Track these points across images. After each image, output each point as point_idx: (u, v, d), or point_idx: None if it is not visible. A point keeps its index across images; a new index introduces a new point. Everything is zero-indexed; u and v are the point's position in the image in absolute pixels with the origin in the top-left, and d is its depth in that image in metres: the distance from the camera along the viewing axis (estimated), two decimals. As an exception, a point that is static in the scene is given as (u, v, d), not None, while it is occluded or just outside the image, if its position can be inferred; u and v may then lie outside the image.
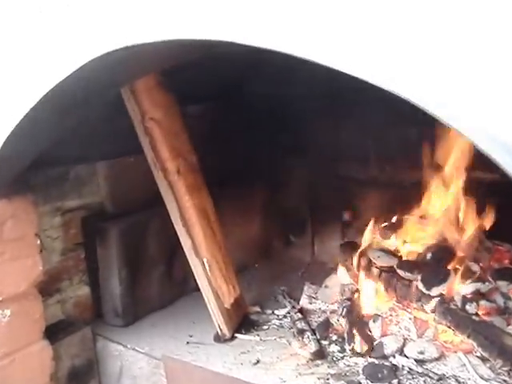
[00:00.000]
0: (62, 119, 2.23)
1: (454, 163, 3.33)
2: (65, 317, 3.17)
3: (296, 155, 3.84)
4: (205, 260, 2.97)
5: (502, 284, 2.93)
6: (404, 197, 3.51)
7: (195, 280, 3.45)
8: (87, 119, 2.64)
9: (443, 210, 3.28)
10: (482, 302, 2.80)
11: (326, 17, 1.40)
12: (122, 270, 3.11)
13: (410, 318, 2.95)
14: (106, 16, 1.81)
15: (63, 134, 2.34)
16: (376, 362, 2.76)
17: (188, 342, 3.03)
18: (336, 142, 3.76)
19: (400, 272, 3.01)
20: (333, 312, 3.24)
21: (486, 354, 2.63)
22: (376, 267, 3.14)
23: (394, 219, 3.43)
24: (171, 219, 2.95)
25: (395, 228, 3.38)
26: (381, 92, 3.08)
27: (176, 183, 2.91)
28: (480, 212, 3.19)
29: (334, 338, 2.96)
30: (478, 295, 2.84)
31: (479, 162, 3.22)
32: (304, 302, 3.36)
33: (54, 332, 2.98)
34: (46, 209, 3.03)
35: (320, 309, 3.31)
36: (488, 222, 3.16)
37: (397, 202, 3.53)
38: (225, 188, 3.65)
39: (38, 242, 2.66)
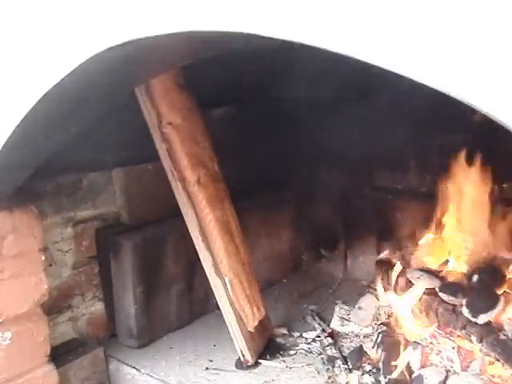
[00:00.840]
0: (64, 125, 1.99)
1: (501, 174, 3.03)
2: (77, 335, 2.95)
3: (328, 163, 3.56)
4: (226, 279, 2.71)
5: (559, 311, 2.61)
6: (446, 209, 3.21)
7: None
8: (99, 122, 2.41)
9: (490, 225, 2.97)
10: (536, 332, 2.48)
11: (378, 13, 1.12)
12: (137, 287, 2.87)
13: (453, 348, 2.64)
14: (107, 7, 1.56)
15: (66, 140, 2.09)
16: (416, 397, 2.48)
17: (207, 368, 2.78)
18: (372, 149, 3.45)
19: (442, 295, 2.71)
20: (366, 336, 2.96)
21: (542, 394, 2.33)
22: (415, 289, 2.84)
23: (435, 234, 3.13)
24: (190, 234, 2.69)
25: (437, 245, 3.09)
26: (420, 95, 2.78)
27: (196, 194, 2.66)
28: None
29: (368, 368, 2.67)
30: (532, 324, 2.53)
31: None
32: (335, 323, 3.08)
33: (63, 353, 2.76)
34: (57, 219, 2.82)
35: (353, 332, 3.03)
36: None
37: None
38: (251, 198, 3.40)
39: (43, 258, 2.43)
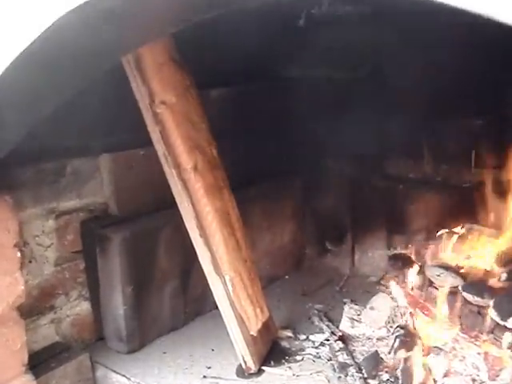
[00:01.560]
0: (36, 100, 1.69)
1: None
2: (60, 339, 2.67)
3: (336, 151, 3.25)
4: (227, 278, 2.42)
5: None
6: (464, 200, 2.95)
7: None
8: (84, 102, 2.13)
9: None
10: None
11: None
12: (126, 285, 2.58)
13: (478, 354, 2.38)
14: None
15: (41, 118, 1.79)
16: (439, 409, 2.22)
17: (205, 376, 2.50)
18: (384, 135, 3.17)
19: (466, 295, 2.44)
20: (380, 339, 2.69)
21: None
22: (436, 287, 2.58)
23: (454, 228, 2.87)
24: (186, 226, 2.41)
25: (457, 239, 2.82)
26: (435, 75, 2.48)
27: (192, 182, 2.37)
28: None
29: (385, 376, 2.40)
30: None
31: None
32: (345, 325, 2.81)
33: (45, 359, 2.47)
34: (37, 211, 2.53)
35: (364, 334, 2.76)
36: None
37: (455, 206, 2.98)
38: (251, 188, 3.12)
39: (19, 254, 2.13)
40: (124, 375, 2.51)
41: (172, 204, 2.61)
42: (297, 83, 3.23)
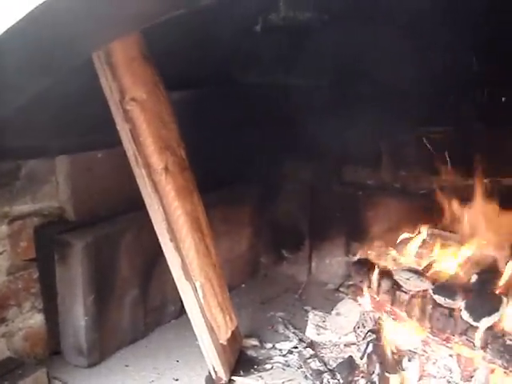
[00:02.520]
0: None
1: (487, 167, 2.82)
2: (12, 354, 2.48)
3: (294, 157, 3.22)
4: (197, 284, 2.32)
5: (560, 313, 2.40)
6: (422, 206, 2.97)
7: (174, 305, 2.85)
8: (41, 99, 2.01)
9: (477, 222, 2.75)
10: (545, 337, 2.24)
11: None
12: (88, 295, 2.43)
13: (450, 355, 2.38)
14: None
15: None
16: (418, 413, 2.19)
17: (173, 389, 2.38)
18: (342, 142, 3.16)
19: (437, 298, 2.44)
20: (347, 345, 2.65)
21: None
22: (404, 291, 2.56)
23: (414, 233, 2.88)
24: (155, 231, 2.30)
25: (418, 244, 2.83)
26: (395, 84, 2.48)
27: (163, 184, 2.26)
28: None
29: (362, 382, 2.36)
30: (536, 328, 2.30)
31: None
32: (310, 332, 2.76)
33: (-3, 377, 2.29)
34: (-12, 215, 2.35)
35: (331, 341, 2.72)
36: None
37: (414, 212, 2.99)
38: (207, 194, 3.01)
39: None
40: (85, 390, 2.36)
41: (132, 208, 2.51)
42: (256, 89, 3.17)
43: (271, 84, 3.15)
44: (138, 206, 2.35)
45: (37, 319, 2.57)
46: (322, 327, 2.77)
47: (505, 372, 2.27)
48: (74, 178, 2.55)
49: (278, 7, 3.13)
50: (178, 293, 2.46)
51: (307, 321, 2.82)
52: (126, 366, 2.54)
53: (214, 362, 2.38)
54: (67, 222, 2.57)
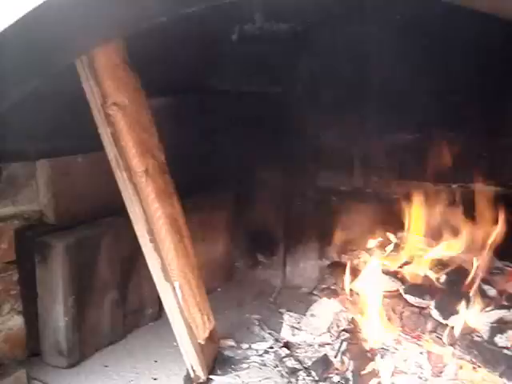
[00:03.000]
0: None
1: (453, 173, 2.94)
2: (-9, 355, 2.49)
3: (268, 163, 3.30)
4: (176, 284, 2.38)
5: (524, 310, 2.51)
6: (394, 211, 3.07)
7: (152, 308, 2.90)
8: (22, 103, 2.06)
9: (445, 226, 2.86)
10: (510, 333, 2.34)
11: None
12: (68, 296, 2.47)
13: (421, 353, 2.47)
14: None
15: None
16: (391, 408, 2.27)
17: (153, 388, 2.43)
18: (315, 148, 3.26)
19: (408, 297, 2.54)
20: (322, 345, 2.72)
21: (525, 396, 2.19)
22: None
23: (385, 237, 2.98)
24: (135, 232, 2.35)
25: (389, 247, 2.94)
26: (369, 92, 2.61)
27: (144, 187, 2.32)
28: (487, 228, 2.78)
29: (336, 378, 2.43)
30: (502, 324, 2.40)
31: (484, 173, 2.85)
32: (286, 333, 2.82)
33: (-25, 378, 2.31)
34: (-33, 218, 2.39)
35: (305, 341, 2.78)
36: (498, 239, 2.73)
37: (385, 216, 3.09)
38: (183, 199, 3.06)
39: None
40: (66, 390, 2.39)
41: (111, 212, 2.57)
42: (230, 97, 3.26)
43: (246, 91, 3.24)
44: (117, 209, 2.41)
45: (17, 322, 2.58)
46: (296, 328, 2.83)
47: (473, 367, 2.37)
48: (54, 182, 2.58)
49: (253, 18, 3.23)
50: (156, 296, 2.52)
51: (282, 322, 2.87)
52: (106, 366, 2.57)
53: (192, 361, 2.43)
54: (47, 225, 2.60)
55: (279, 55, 3.14)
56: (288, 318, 2.89)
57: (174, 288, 2.37)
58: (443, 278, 2.59)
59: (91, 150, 2.54)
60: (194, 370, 2.44)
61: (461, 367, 2.41)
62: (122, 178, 2.31)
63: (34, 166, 2.57)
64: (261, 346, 2.74)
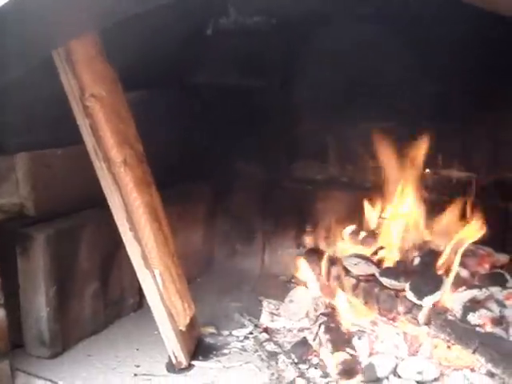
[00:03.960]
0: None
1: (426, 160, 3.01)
2: (-27, 348, 2.50)
3: (245, 153, 3.35)
4: (157, 272, 2.42)
5: (495, 290, 2.59)
6: (369, 198, 3.13)
7: (133, 298, 2.94)
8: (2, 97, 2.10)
9: (417, 212, 2.93)
10: (482, 311, 2.42)
11: None
12: (50, 287, 2.50)
13: (397, 334, 2.54)
14: None
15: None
16: (369, 387, 2.33)
17: (136, 374, 2.47)
18: (291, 138, 3.32)
19: (383, 280, 2.60)
20: (301, 330, 2.79)
21: (497, 371, 2.26)
22: (352, 276, 2.72)
23: (365, 223, 3.05)
24: (115, 222, 2.39)
25: (365, 233, 3.00)
26: (340, 81, 2.66)
27: (122, 176, 2.36)
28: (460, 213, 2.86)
29: (315, 360, 2.49)
30: (475, 304, 2.48)
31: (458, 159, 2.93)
32: (265, 319, 2.88)
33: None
34: None
35: (284, 327, 2.85)
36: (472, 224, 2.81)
37: (361, 204, 3.15)
38: (160, 189, 3.10)
39: None
40: (50, 380, 2.42)
41: (91, 204, 2.60)
42: (207, 89, 3.30)
43: (222, 84, 3.28)
44: (97, 201, 2.45)
45: (-1, 314, 2.61)
46: (275, 314, 2.90)
47: (448, 346, 2.44)
48: (34, 175, 2.61)
49: (228, 11, 3.28)
50: (137, 286, 2.56)
51: (261, 309, 2.94)
52: (89, 355, 2.61)
53: (174, 347, 2.47)
54: (27, 217, 2.63)
55: (254, 48, 3.19)
56: (267, 305, 2.96)
57: (154, 275, 2.42)
58: (417, 260, 2.66)
59: (71, 142, 2.57)
60: (175, 356, 2.48)
61: (436, 346, 2.49)
62: (100, 169, 2.35)
63: (13, 159, 2.59)
64: (241, 333, 2.79)
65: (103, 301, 2.81)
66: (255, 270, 3.52)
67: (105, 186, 2.36)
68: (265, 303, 2.96)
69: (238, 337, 2.77)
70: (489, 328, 2.38)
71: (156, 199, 2.53)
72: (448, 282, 2.52)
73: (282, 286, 3.23)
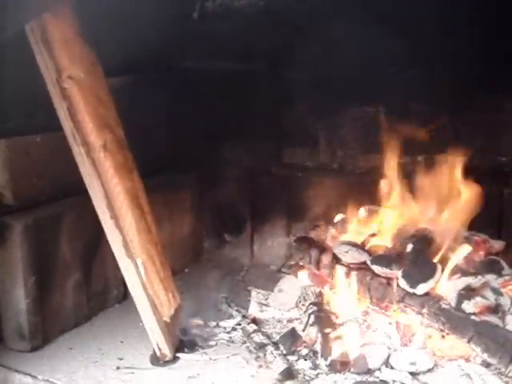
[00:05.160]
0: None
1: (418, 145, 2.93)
2: (-51, 342, 2.43)
3: (233, 141, 3.26)
4: (139, 261, 2.33)
5: (491, 277, 2.51)
6: (360, 185, 3.06)
7: (117, 289, 2.85)
8: None
9: (410, 197, 2.85)
10: (478, 299, 2.33)
11: None
12: (28, 278, 2.41)
13: (390, 323, 2.46)
14: None
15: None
16: (359, 378, 2.25)
17: (118, 367, 2.38)
18: (281, 124, 3.23)
19: (375, 268, 2.52)
20: (290, 321, 2.71)
21: (493, 361, 2.18)
22: (343, 264, 2.64)
23: (353, 211, 2.96)
24: (95, 209, 2.30)
25: (356, 220, 2.92)
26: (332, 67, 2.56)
27: (102, 162, 2.27)
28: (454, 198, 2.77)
29: (305, 351, 2.41)
30: (470, 291, 2.39)
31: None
32: (254, 310, 2.80)
33: None
34: None
35: (273, 317, 2.77)
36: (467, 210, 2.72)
37: (352, 191, 3.07)
38: (146, 178, 3.00)
39: None
40: (29, 374, 2.33)
41: (73, 192, 2.51)
42: (193, 74, 3.21)
43: (209, 69, 3.19)
44: (79, 189, 2.35)
45: (-25, 306, 2.52)
46: (264, 305, 2.82)
47: (442, 336, 2.36)
48: (12, 162, 2.50)
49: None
50: (121, 277, 2.46)
51: (250, 300, 2.85)
52: (70, 348, 2.52)
53: (158, 339, 2.38)
54: (6, 206, 2.53)
55: (241, 31, 3.09)
56: (256, 295, 2.89)
57: (136, 264, 2.33)
58: (409, 247, 2.57)
59: (51, 128, 2.47)
60: (160, 348, 2.39)
61: (430, 336, 2.41)
62: (79, 154, 2.26)
63: (-10, 147, 2.50)
64: (228, 324, 2.71)
65: (86, 292, 2.73)
66: (245, 260, 3.44)
67: (84, 172, 2.27)
68: (253, 293, 2.89)
69: (225, 328, 2.69)
70: (484, 316, 2.31)
71: (138, 186, 2.43)
72: (442, 268, 2.44)
73: (272, 276, 3.15)
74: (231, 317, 2.77)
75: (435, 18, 2.61)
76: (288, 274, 3.00)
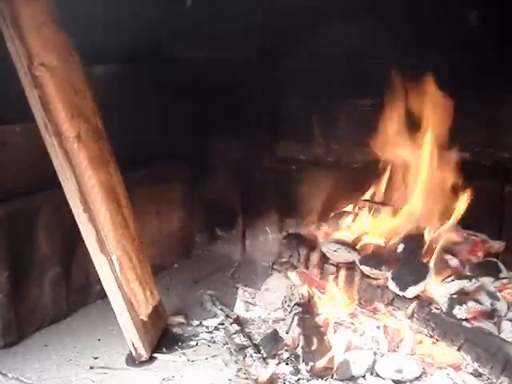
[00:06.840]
0: None
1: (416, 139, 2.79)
2: None
3: (225, 133, 3.15)
4: (114, 257, 2.24)
5: (487, 280, 2.38)
6: (355, 180, 2.94)
7: (100, 285, 2.75)
8: None
9: (407, 194, 2.72)
10: (471, 304, 2.20)
11: None
12: (2, 272, 2.33)
13: (378, 327, 2.34)
14: None
15: None
16: (342, 385, 2.14)
17: (91, 367, 2.30)
18: (274, 117, 3.12)
19: (364, 269, 2.40)
20: (276, 321, 2.60)
21: (485, 370, 2.06)
22: (332, 264, 2.52)
23: (347, 207, 2.84)
24: (69, 202, 2.20)
25: (350, 217, 2.80)
26: (328, 58, 2.44)
27: (76, 153, 2.17)
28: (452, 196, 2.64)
29: (285, 355, 2.29)
30: (463, 295, 2.26)
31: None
32: (239, 308, 2.70)
33: None
34: None
35: (260, 317, 2.67)
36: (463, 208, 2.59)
37: (347, 185, 2.95)
38: (134, 171, 2.90)
39: None
40: None
41: (51, 184, 2.40)
42: (184, 65, 3.11)
43: (200, 59, 3.09)
44: (58, 181, 2.25)
45: None
46: (251, 303, 2.72)
47: (433, 342, 2.24)
48: (-12, 153, 2.43)
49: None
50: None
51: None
52: (46, 345, 2.44)
53: (133, 339, 2.29)
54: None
55: (231, 20, 2.97)
56: (242, 293, 2.78)
57: (111, 261, 2.23)
58: (401, 247, 2.45)
59: (31, 119, 2.38)
60: (135, 348, 2.30)
61: (420, 342, 2.29)
62: (51, 144, 2.16)
63: (-36, 139, 2.41)
64: (211, 323, 2.61)
65: (66, 287, 2.65)
66: (236, 256, 3.35)
67: (56, 164, 2.18)
68: (240, 291, 2.78)
69: (207, 327, 2.59)
70: (477, 322, 2.18)
71: (115, 179, 2.33)
72: (434, 271, 2.32)
73: (263, 273, 3.03)
74: (215, 315, 2.67)
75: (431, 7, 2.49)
76: (279, 271, 2.88)
